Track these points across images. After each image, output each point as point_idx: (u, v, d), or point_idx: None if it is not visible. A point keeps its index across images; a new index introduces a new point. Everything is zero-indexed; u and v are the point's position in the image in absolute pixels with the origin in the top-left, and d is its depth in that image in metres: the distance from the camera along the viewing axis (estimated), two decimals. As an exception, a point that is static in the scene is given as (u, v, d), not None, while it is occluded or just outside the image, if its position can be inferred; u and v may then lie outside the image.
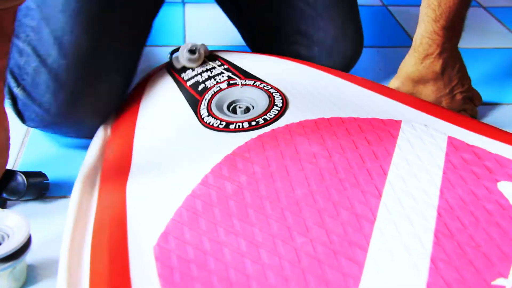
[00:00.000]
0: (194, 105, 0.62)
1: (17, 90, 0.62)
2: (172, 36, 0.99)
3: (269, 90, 0.62)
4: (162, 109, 0.64)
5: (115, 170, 0.57)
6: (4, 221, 0.49)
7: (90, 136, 0.63)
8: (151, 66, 0.77)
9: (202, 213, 0.45)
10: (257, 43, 0.81)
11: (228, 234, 0.43)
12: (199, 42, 0.68)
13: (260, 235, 0.43)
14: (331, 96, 0.63)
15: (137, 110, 0.64)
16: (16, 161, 0.66)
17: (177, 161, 0.54)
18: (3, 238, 0.48)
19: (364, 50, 0.82)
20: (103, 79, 0.62)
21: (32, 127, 0.64)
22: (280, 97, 0.61)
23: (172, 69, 0.69)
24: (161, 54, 0.91)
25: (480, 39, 1.04)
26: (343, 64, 0.76)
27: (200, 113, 0.60)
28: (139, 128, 0.61)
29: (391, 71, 0.91)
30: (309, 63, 0.70)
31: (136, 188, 0.51)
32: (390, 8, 1.16)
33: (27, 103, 0.61)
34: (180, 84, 0.66)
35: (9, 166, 0.55)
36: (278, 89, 0.62)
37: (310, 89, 0.64)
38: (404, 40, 1.03)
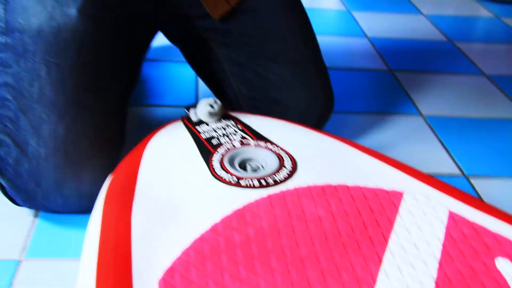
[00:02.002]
0: (207, 157, 0.64)
1: (1, 180, 0.63)
2: (185, 96, 1.03)
3: (279, 152, 0.65)
4: (174, 155, 0.66)
5: (118, 204, 0.58)
6: None
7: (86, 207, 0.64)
8: (161, 124, 0.80)
9: (209, 256, 0.47)
10: (234, 107, 0.85)
11: (233, 281, 0.44)
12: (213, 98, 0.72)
13: (264, 285, 0.44)
14: (339, 162, 0.66)
15: (143, 151, 0.66)
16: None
17: (188, 207, 0.56)
18: None
19: (367, 116, 0.86)
20: (85, 163, 0.64)
21: (27, 207, 0.66)
22: (290, 160, 0.64)
23: (187, 122, 0.72)
24: (173, 114, 0.95)
25: (483, 108, 1.08)
26: (314, 125, 0.81)
27: (212, 165, 0.63)
28: (145, 168, 0.63)
29: (394, 138, 0.94)
30: (318, 129, 0.73)
31: (142, 227, 0.53)
32: (396, 73, 1.20)
33: (14, 191, 0.63)
34: (194, 135, 0.69)
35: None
36: (288, 152, 0.65)
37: (319, 154, 0.66)
38: (408, 107, 1.07)
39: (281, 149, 0.66)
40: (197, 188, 0.59)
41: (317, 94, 0.80)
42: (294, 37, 0.81)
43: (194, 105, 0.73)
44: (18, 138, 0.62)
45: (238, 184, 0.59)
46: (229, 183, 0.60)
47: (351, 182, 0.61)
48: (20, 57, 0.62)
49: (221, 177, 0.60)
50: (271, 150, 0.66)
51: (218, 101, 0.71)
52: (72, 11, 0.63)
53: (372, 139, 0.94)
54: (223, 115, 0.73)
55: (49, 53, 0.62)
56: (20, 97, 0.63)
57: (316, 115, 0.81)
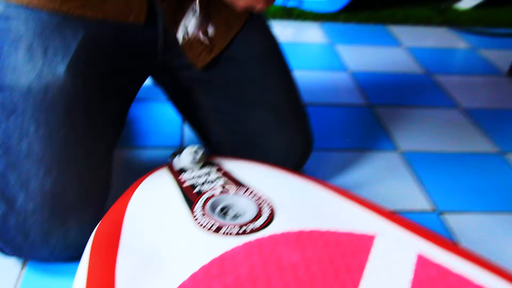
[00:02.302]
0: (190, 205, 0.68)
1: None
2: (170, 137, 1.07)
3: (258, 200, 0.69)
4: (157, 204, 0.69)
5: (104, 255, 0.61)
6: None
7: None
8: (148, 168, 0.84)
9: (189, 308, 0.50)
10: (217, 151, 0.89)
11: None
12: (197, 144, 0.76)
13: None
14: (314, 207, 0.69)
15: (129, 200, 0.70)
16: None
17: (170, 256, 0.59)
18: None
19: (346, 153, 0.90)
20: (72, 215, 0.67)
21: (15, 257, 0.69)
22: (267, 207, 0.67)
23: (172, 169, 0.75)
24: (159, 156, 0.98)
25: (457, 142, 1.12)
26: (293, 167, 0.85)
27: (194, 213, 0.66)
28: (131, 218, 0.67)
29: (371, 175, 0.98)
30: (298, 173, 0.77)
31: (126, 278, 0.56)
32: (376, 108, 1.25)
33: (1, 243, 0.66)
34: (178, 183, 0.73)
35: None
36: (266, 199, 0.69)
37: (296, 199, 0.70)
38: (385, 142, 1.11)
39: (260, 196, 0.70)
40: (180, 237, 0.63)
41: (297, 139, 0.84)
42: (274, 84, 0.85)
43: (179, 151, 0.76)
44: (7, 193, 0.65)
45: (217, 232, 0.63)
46: (209, 230, 0.63)
47: (325, 227, 0.65)
48: (10, 115, 0.66)
49: (202, 225, 0.64)
50: (250, 197, 0.69)
51: (201, 149, 0.75)
52: (60, 69, 0.67)
53: (350, 177, 0.98)
54: (206, 161, 0.76)
55: (38, 111, 0.66)
56: (9, 153, 0.66)
57: (296, 158, 0.85)
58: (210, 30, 0.80)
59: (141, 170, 0.84)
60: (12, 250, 0.67)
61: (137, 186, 0.74)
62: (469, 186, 0.98)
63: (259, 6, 0.56)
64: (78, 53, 0.69)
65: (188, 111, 0.90)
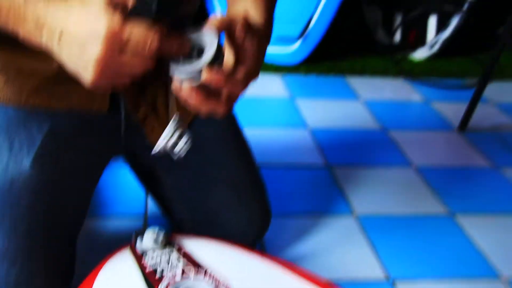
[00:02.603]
0: (151, 291, 0.71)
1: None
2: (134, 204, 1.09)
3: (217, 285, 0.72)
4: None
5: None
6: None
7: None
8: (112, 239, 0.86)
9: None
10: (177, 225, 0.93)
11: None
12: (157, 227, 0.79)
13: None
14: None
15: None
16: None
17: None
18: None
19: (304, 219, 0.95)
20: None
21: None
22: (225, 291, 0.71)
23: (134, 252, 0.78)
24: (122, 226, 1.01)
25: (410, 204, 1.17)
26: (252, 242, 0.89)
27: (155, 301, 0.69)
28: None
29: (328, 241, 1.03)
30: (262, 253, 0.81)
31: None
32: (333, 169, 1.30)
33: None
34: (140, 267, 0.75)
35: None
36: (224, 283, 0.72)
37: (256, 282, 0.74)
38: (341, 206, 1.15)
39: (218, 280, 0.73)
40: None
41: (255, 215, 0.88)
42: (232, 161, 0.89)
43: (141, 232, 0.79)
44: None
45: (178, 320, 0.66)
46: (170, 319, 0.66)
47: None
48: None
49: (163, 313, 0.67)
50: (209, 281, 0.73)
51: (162, 232, 0.78)
52: (26, 163, 0.70)
53: (308, 245, 1.03)
54: (167, 242, 0.79)
55: (2, 204, 0.68)
56: None
57: (255, 232, 0.89)
58: (171, 114, 0.83)
59: (105, 241, 0.86)
60: None
61: (100, 270, 0.76)
62: (421, 250, 1.04)
63: (220, 111, 0.60)
64: (43, 145, 0.71)
65: (151, 187, 0.93)
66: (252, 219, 0.88)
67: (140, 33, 0.50)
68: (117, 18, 0.50)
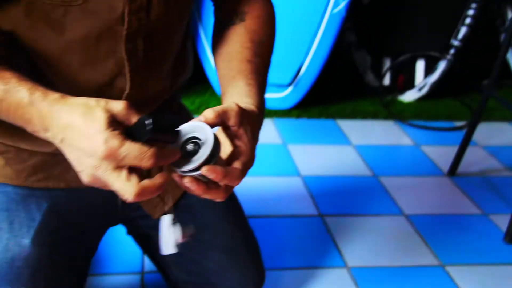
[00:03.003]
0: None
1: None
2: (131, 262, 1.11)
3: None
4: None
5: None
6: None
7: None
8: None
9: None
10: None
11: None
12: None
13: None
14: None
15: None
16: None
17: None
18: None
19: (297, 273, 0.96)
20: None
21: None
22: None
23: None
24: (119, 284, 1.03)
25: (402, 254, 1.20)
26: None
27: None
28: None
29: None
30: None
31: None
32: (325, 218, 1.32)
33: None
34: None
35: None
36: None
37: None
38: (334, 259, 1.17)
39: None
40: None
41: (250, 275, 0.90)
42: (227, 226, 0.91)
43: None
44: None
45: None
46: None
47: None
48: None
49: None
50: None
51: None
52: (26, 241, 0.72)
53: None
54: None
55: (3, 282, 0.70)
56: None
57: (249, 295, 0.91)
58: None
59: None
60: None
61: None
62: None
63: (220, 198, 0.62)
64: (42, 223, 0.74)
65: (148, 250, 0.95)
66: (247, 281, 0.90)
67: (135, 153, 0.53)
68: (116, 139, 0.53)
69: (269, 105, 1.94)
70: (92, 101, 0.55)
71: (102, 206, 0.83)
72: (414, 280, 1.13)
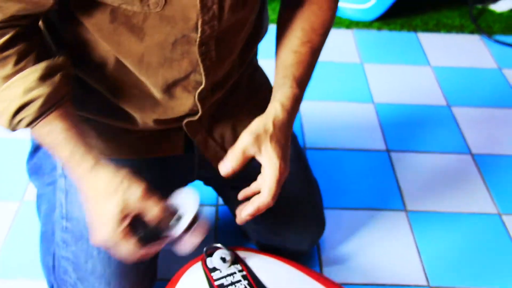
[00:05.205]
0: (218, 306, 0.87)
1: None
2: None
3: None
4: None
5: None
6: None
7: None
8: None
9: None
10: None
11: None
12: (226, 249, 0.93)
13: None
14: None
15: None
16: None
17: None
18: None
19: (358, 212, 1.09)
20: None
21: None
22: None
23: (205, 265, 0.94)
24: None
25: (462, 201, 1.24)
26: (308, 247, 1.02)
27: (221, 317, 0.86)
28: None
29: (378, 236, 1.13)
30: (315, 274, 0.94)
31: None
32: (391, 154, 1.37)
33: None
34: (209, 282, 0.92)
35: None
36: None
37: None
38: (395, 201, 1.24)
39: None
40: None
41: (311, 228, 1.01)
42: (290, 178, 1.00)
43: (212, 249, 0.94)
44: None
45: None
46: None
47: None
48: (78, 240, 0.85)
49: (227, 332, 0.84)
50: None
51: (229, 255, 0.93)
52: None
53: (357, 241, 1.15)
54: (233, 261, 0.94)
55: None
56: (77, 270, 0.86)
57: (309, 242, 1.02)
58: None
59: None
60: None
61: (178, 280, 0.93)
62: (465, 257, 1.12)
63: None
64: None
65: (222, 199, 1.08)
66: (308, 230, 1.01)
67: (127, 250, 0.70)
68: (116, 237, 0.69)
69: (350, 16, 1.90)
70: (114, 183, 0.69)
71: (180, 170, 0.94)
72: (469, 227, 1.19)
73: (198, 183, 1.08)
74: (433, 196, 1.27)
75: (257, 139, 0.75)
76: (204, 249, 0.95)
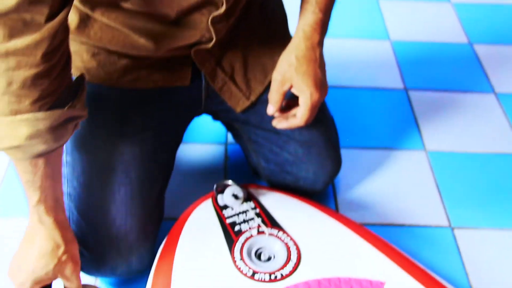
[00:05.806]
0: (230, 244, 0.82)
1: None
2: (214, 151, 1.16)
3: (288, 243, 0.81)
4: (203, 242, 0.83)
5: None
6: None
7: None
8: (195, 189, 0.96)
9: None
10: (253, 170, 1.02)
11: None
12: (237, 185, 0.87)
13: None
14: (338, 251, 0.82)
15: (178, 239, 0.84)
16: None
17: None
18: None
19: (376, 152, 1.05)
20: (133, 253, 0.83)
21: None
22: (296, 252, 0.80)
23: (216, 203, 0.88)
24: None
25: (485, 141, 1.19)
26: (322, 187, 0.97)
27: (234, 255, 0.80)
28: (180, 257, 0.80)
29: (397, 176, 1.08)
30: (331, 211, 0.89)
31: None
32: (410, 93, 1.31)
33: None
34: (221, 219, 0.86)
35: None
36: (295, 241, 0.82)
37: (323, 242, 0.83)
38: (414, 141, 1.18)
39: (291, 238, 0.82)
40: (220, 279, 0.78)
41: (325, 166, 0.95)
42: None
43: (223, 186, 0.88)
44: (81, 238, 0.80)
45: (252, 277, 0.77)
46: (245, 275, 0.78)
47: (344, 272, 0.78)
48: (80, 175, 0.81)
49: (240, 269, 0.78)
50: (281, 239, 0.82)
51: (241, 191, 0.87)
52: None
53: (375, 183, 1.09)
54: (246, 198, 0.88)
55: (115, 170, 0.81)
56: (80, 206, 0.81)
57: (323, 181, 0.96)
58: (249, 77, 0.88)
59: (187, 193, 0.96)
60: (87, 272, 0.84)
61: (187, 218, 0.88)
62: (488, 198, 1.07)
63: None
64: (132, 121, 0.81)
65: (232, 134, 1.01)
66: (322, 171, 0.95)
67: None
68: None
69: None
70: (53, 249, 0.70)
71: (187, 101, 0.88)
72: (492, 168, 1.13)
73: (207, 118, 1.02)
74: (454, 136, 1.20)
75: (285, 76, 0.82)
76: (215, 186, 0.89)
